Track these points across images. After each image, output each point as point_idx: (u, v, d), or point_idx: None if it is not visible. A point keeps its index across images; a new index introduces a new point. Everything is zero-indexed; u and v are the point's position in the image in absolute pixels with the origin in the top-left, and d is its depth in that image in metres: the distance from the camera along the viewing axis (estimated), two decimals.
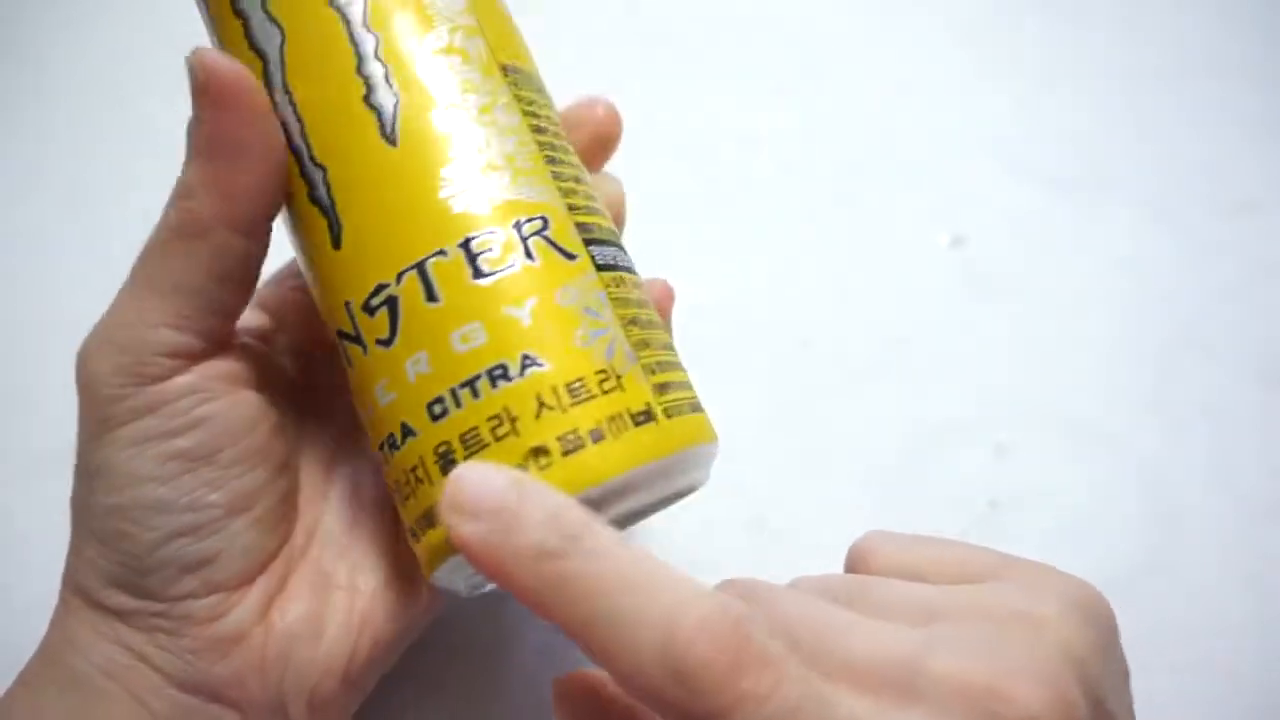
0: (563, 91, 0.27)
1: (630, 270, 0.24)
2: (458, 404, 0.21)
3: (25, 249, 0.36)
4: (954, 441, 0.32)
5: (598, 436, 0.21)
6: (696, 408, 0.23)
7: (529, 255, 0.22)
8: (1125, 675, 0.21)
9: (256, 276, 0.24)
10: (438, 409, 0.21)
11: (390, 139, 0.22)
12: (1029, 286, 0.35)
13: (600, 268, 0.22)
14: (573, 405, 0.21)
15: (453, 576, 0.22)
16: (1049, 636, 0.18)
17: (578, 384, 0.21)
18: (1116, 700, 0.19)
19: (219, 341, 0.24)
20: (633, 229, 0.28)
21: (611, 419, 0.21)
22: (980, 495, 0.30)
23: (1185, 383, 0.33)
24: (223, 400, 0.23)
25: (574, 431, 0.21)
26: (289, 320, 0.28)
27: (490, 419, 0.21)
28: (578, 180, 0.24)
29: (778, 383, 0.33)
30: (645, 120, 0.39)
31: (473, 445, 0.21)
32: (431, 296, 0.21)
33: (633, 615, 0.17)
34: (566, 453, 0.20)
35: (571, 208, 0.23)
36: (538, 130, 0.23)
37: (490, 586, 0.23)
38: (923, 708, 0.17)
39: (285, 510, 0.25)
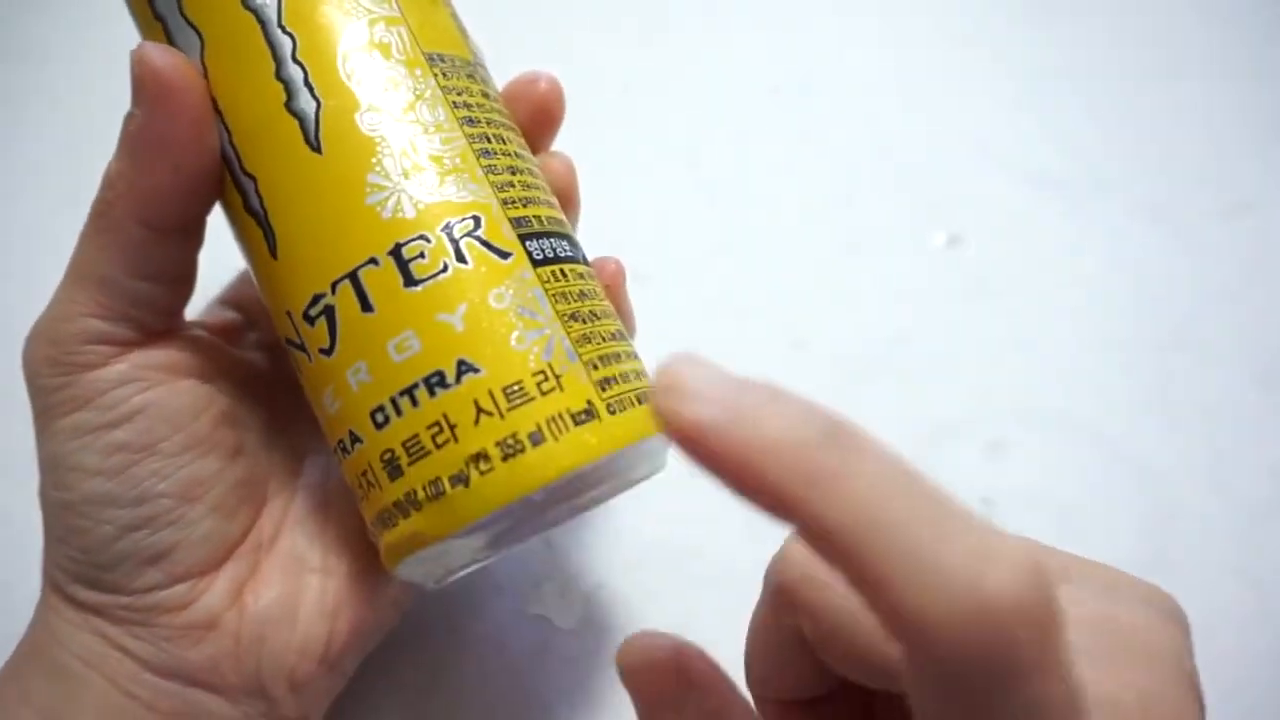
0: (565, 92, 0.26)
1: (574, 260, 0.23)
2: (398, 412, 0.21)
3: (25, 249, 0.36)
4: (950, 441, 0.31)
5: (537, 439, 0.21)
6: (647, 398, 0.23)
7: (461, 258, 0.21)
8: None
9: (187, 273, 0.24)
10: (380, 417, 0.21)
11: (315, 146, 0.22)
12: (1025, 286, 0.35)
13: (537, 263, 0.22)
14: (510, 409, 0.21)
15: (415, 570, 0.23)
16: (1167, 658, 0.18)
17: (515, 387, 0.21)
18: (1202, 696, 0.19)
19: (155, 332, 0.24)
20: (629, 229, 0.28)
21: (551, 420, 0.21)
22: (976, 495, 0.29)
23: (1182, 383, 0.32)
24: (160, 389, 0.23)
25: (513, 435, 0.21)
26: (259, 317, 0.28)
27: (430, 426, 0.21)
28: (514, 171, 0.23)
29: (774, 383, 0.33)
30: (642, 119, 0.38)
31: (415, 453, 0.21)
32: (366, 306, 0.21)
33: (928, 536, 0.13)
34: (506, 457, 0.21)
35: (506, 202, 0.22)
36: (468, 122, 0.23)
37: (453, 579, 0.23)
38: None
39: (245, 496, 0.25)
